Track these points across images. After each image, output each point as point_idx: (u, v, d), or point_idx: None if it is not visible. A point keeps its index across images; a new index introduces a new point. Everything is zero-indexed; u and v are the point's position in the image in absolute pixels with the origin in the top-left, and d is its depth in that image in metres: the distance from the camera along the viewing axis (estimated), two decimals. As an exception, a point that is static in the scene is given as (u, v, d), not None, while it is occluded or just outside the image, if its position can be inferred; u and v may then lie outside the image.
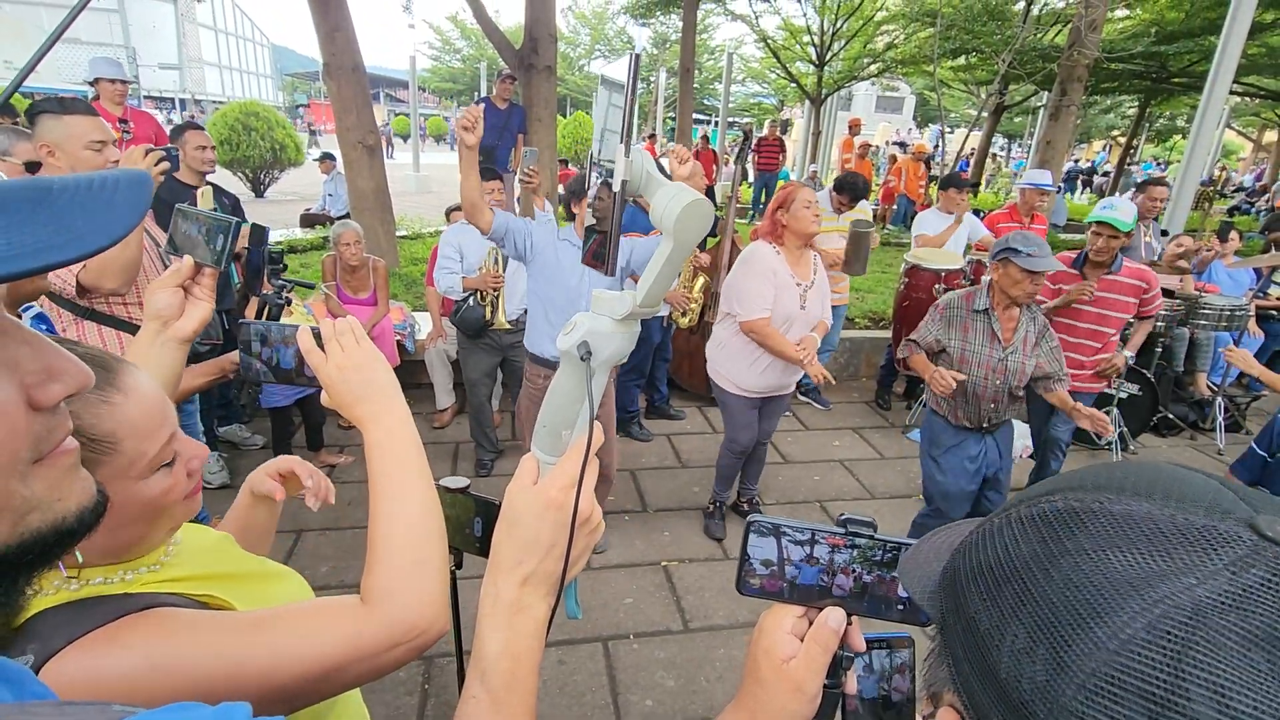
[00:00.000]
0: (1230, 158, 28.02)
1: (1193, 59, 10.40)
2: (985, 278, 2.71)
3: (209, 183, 3.48)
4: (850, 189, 4.36)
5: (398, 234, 6.97)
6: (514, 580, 0.56)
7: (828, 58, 14.57)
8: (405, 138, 26.51)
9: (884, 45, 14.31)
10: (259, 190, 12.47)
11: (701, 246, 2.65)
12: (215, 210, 0.99)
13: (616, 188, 0.52)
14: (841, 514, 0.59)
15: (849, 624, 0.58)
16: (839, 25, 13.96)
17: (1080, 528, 0.34)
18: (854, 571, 0.58)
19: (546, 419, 0.59)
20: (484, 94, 15.37)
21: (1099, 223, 3.12)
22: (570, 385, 0.58)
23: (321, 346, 0.84)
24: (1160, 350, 4.54)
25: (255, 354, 0.92)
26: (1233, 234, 5.49)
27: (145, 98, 26.02)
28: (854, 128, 12.82)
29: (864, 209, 4.56)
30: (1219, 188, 17.77)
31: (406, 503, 0.79)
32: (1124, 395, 4.26)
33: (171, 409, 0.73)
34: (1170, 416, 4.72)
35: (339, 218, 8.14)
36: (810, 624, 0.58)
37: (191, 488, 0.77)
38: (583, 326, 0.56)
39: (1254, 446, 2.43)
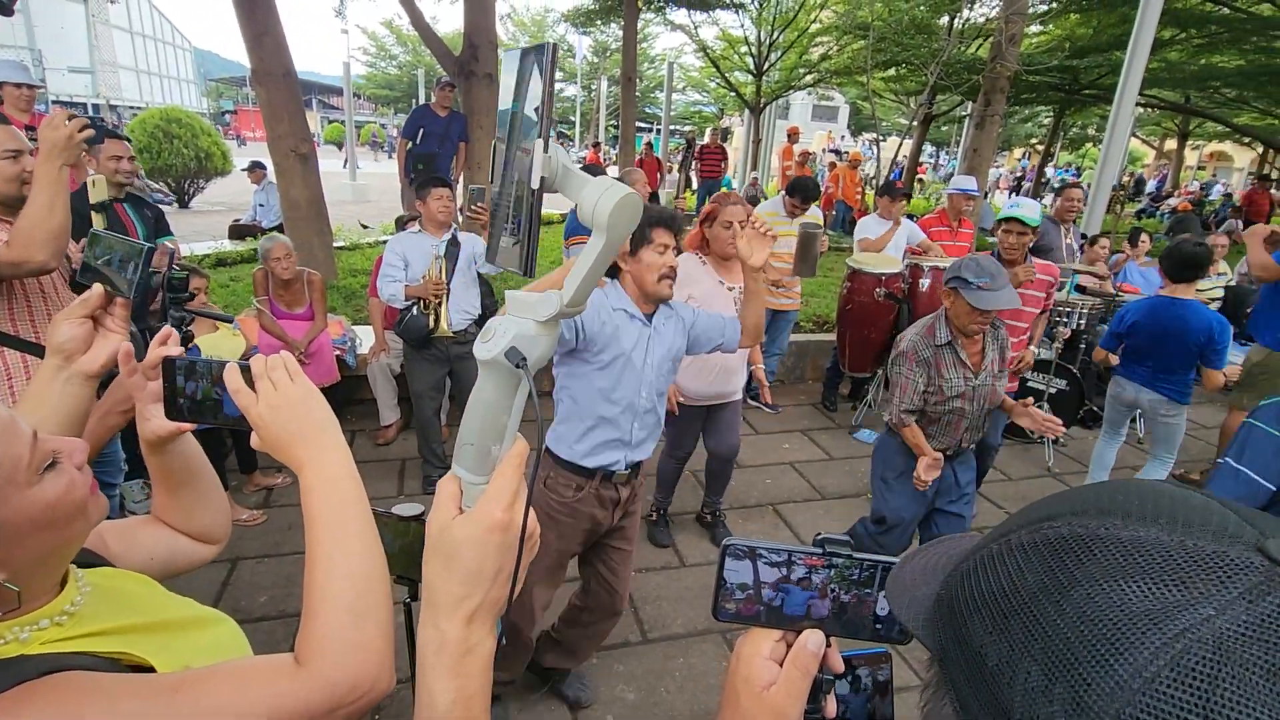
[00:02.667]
0: (1136, 163, 30.01)
1: (1102, 72, 11.12)
2: (941, 309, 2.53)
3: (133, 193, 3.28)
4: (802, 191, 4.45)
5: (335, 245, 6.73)
6: (459, 619, 0.51)
7: (765, 67, 14.94)
8: (339, 145, 25.77)
9: (819, 56, 14.76)
10: (184, 200, 11.90)
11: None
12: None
13: (535, 184, 0.50)
14: (818, 534, 0.58)
15: (827, 646, 0.57)
16: (775, 36, 14.33)
17: (1089, 556, 0.33)
18: (831, 592, 0.57)
19: (472, 436, 0.54)
20: (423, 100, 15.07)
21: (1009, 219, 3.23)
22: (497, 396, 0.53)
23: (251, 385, 0.77)
24: (1084, 347, 4.80)
25: (180, 390, 0.83)
26: (1143, 237, 5.88)
27: (54, 103, 24.45)
28: (793, 135, 13.15)
29: (815, 214, 4.65)
30: (1126, 192, 19.12)
31: (345, 553, 0.72)
32: (1053, 390, 4.51)
33: (12, 411, 0.67)
34: (1095, 410, 4.99)
35: (271, 229, 7.82)
36: (789, 648, 0.56)
37: (89, 483, 0.70)
38: (507, 331, 0.52)
39: (1245, 471, 1.67)
